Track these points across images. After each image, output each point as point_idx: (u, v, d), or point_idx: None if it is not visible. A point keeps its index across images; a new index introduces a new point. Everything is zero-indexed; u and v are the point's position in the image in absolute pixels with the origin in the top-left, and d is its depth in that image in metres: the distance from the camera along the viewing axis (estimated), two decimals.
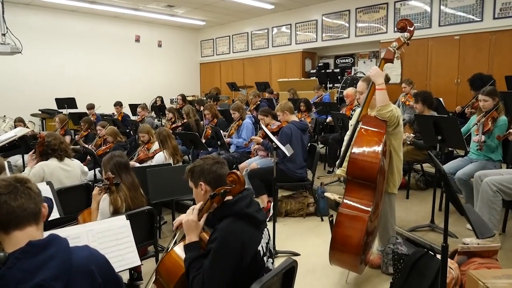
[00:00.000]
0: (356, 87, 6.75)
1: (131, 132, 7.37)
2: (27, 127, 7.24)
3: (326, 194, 3.51)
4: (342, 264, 2.88)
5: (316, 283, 3.05)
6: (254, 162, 4.85)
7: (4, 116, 8.50)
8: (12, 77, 9.38)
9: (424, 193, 4.95)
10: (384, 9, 8.77)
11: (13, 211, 1.25)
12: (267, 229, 1.87)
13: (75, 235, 2.21)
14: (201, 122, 6.79)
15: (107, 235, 2.29)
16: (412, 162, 4.70)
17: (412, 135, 4.30)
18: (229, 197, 1.75)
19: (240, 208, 1.70)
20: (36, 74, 9.76)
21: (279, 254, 3.45)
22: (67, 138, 6.98)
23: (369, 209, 2.66)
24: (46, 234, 1.35)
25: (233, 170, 1.72)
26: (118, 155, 2.81)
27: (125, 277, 3.09)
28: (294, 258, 2.44)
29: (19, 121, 7.50)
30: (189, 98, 11.20)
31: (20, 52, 4.92)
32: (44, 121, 9.77)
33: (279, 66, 11.17)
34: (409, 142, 4.25)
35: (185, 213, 2.00)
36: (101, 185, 2.59)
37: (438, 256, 2.52)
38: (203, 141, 5.63)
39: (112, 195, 2.62)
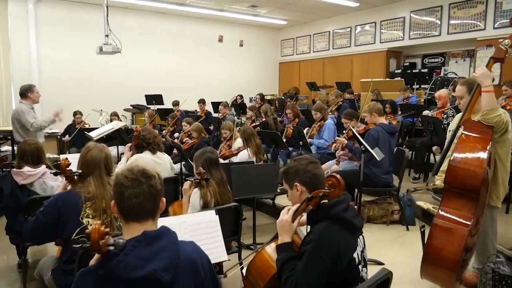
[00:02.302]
0: (448, 89, 6.28)
1: (214, 128, 7.62)
2: (121, 121, 7.87)
3: (418, 202, 3.29)
4: (435, 280, 2.67)
5: None
6: (335, 165, 4.74)
7: (101, 110, 9.28)
8: (109, 75, 10.19)
9: None
10: (482, 3, 8.03)
11: (134, 208, 1.34)
12: (363, 236, 1.80)
13: (170, 226, 2.32)
14: (279, 121, 6.81)
15: (198, 228, 2.38)
16: None
17: None
18: (325, 200, 1.70)
19: (337, 212, 1.65)
20: (129, 72, 10.50)
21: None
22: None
23: (470, 222, 2.43)
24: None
25: (333, 174, 1.67)
26: (209, 151, 2.90)
27: None
28: (378, 267, 2.32)
29: (114, 115, 8.17)
30: (268, 97, 11.31)
31: (120, 52, 5.32)
32: (134, 115, 10.52)
33: (361, 66, 10.80)
34: None
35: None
36: (192, 179, 2.69)
37: None
38: (284, 140, 5.63)
39: (202, 189, 2.71)
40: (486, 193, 2.60)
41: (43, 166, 3.20)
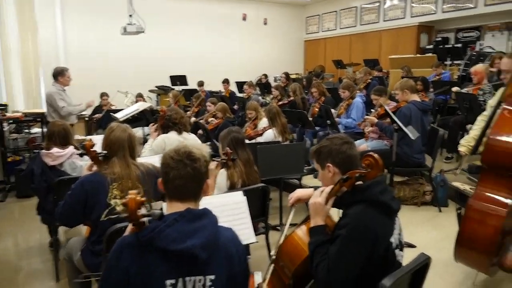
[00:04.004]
0: (485, 63, 5.95)
1: (238, 108, 7.54)
2: (146, 102, 7.89)
3: (454, 183, 3.14)
4: (469, 263, 2.56)
5: (438, 280, 2.77)
6: (364, 144, 4.59)
7: (127, 92, 9.33)
8: (134, 56, 10.22)
9: None
10: None
11: (177, 188, 1.37)
12: (399, 218, 1.69)
13: None
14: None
15: (225, 209, 2.33)
16: None
17: None
18: (359, 182, 1.60)
19: (374, 195, 1.54)
20: (154, 53, 10.49)
21: None
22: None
23: (508, 202, 2.29)
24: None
25: (370, 153, 1.56)
26: (235, 130, 2.83)
27: None
28: (410, 250, 2.19)
29: (139, 96, 8.20)
30: (293, 76, 11.10)
31: (143, 32, 5.27)
32: (159, 96, 10.56)
33: (390, 42, 10.39)
34: None
35: (291, 191, 1.93)
36: (219, 159, 2.64)
37: None
38: (310, 119, 5.50)
39: (229, 170, 2.66)
40: None
41: (71, 147, 3.22)
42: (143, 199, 1.25)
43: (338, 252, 1.50)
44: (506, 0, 7.82)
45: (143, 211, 1.27)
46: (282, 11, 12.85)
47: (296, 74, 12.08)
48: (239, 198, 2.38)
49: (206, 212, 1.39)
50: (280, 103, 6.63)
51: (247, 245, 3.11)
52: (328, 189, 1.64)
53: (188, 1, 11.02)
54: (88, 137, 3.27)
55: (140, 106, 5.73)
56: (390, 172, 3.58)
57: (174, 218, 1.29)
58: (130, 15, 5.23)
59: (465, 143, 2.92)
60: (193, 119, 6.72)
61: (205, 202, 2.31)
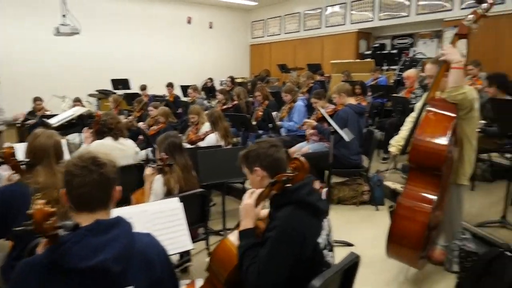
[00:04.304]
0: (417, 69, 6.31)
1: (182, 113, 7.42)
2: (84, 106, 7.53)
3: (386, 183, 3.29)
4: (400, 258, 2.69)
5: (373, 276, 2.87)
6: (306, 146, 4.69)
7: (64, 96, 8.85)
8: (72, 58, 9.75)
9: (491, 185, 4.56)
10: None
11: (83, 197, 1.26)
12: (328, 219, 1.73)
13: (129, 214, 2.18)
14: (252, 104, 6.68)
15: (160, 216, 2.26)
16: (480, 151, 4.30)
17: (482, 121, 3.94)
18: (288, 184, 1.62)
19: (301, 196, 1.57)
20: (93, 56, 10.08)
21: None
22: (121, 118, 7.18)
23: (433, 198, 2.43)
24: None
25: (296, 156, 1.58)
26: (172, 135, 2.77)
27: (175, 258, 3.10)
28: (348, 248, 2.23)
29: (77, 101, 7.80)
30: (238, 80, 11.13)
31: (79, 33, 5.02)
32: (100, 101, 10.13)
33: (331, 48, 10.76)
34: (478, 130, 3.89)
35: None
36: (154, 165, 2.56)
37: None
38: (254, 123, 5.53)
39: (165, 176, 2.59)
40: (450, 171, 2.60)
41: None
42: (53, 209, 1.15)
43: (267, 254, 1.50)
44: (435, 10, 8.39)
45: (58, 222, 1.16)
46: (228, 15, 12.87)
47: (242, 78, 12.13)
48: (175, 205, 2.32)
49: (118, 221, 1.29)
50: (224, 107, 6.62)
51: (188, 252, 3.08)
52: (258, 191, 1.64)
53: (131, 2, 10.70)
54: (7, 144, 3.04)
55: (76, 111, 5.46)
56: (329, 174, 3.68)
57: (81, 233, 1.19)
58: (64, 15, 4.96)
59: (395, 143, 3.05)
60: (140, 124, 6.53)
61: (139, 210, 2.27)
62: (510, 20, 7.24)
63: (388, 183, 3.04)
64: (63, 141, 2.30)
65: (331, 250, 1.70)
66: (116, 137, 3.56)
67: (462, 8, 7.87)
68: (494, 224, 3.38)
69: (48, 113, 7.21)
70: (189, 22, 12.07)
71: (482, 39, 7.44)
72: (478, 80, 5.70)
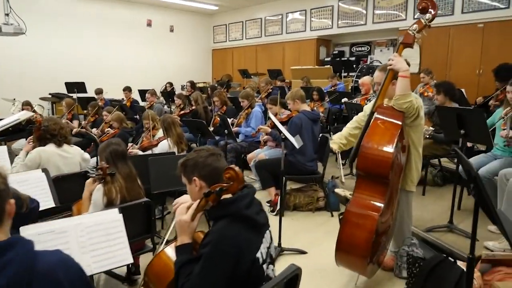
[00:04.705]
0: (372, 76, 6.44)
1: (139, 118, 7.20)
2: (34, 110, 7.14)
3: (336, 190, 3.29)
4: (349, 266, 2.68)
5: (324, 284, 2.85)
6: (262, 153, 4.65)
7: (14, 99, 8.38)
8: (24, 60, 9.29)
9: (441, 190, 4.71)
10: None
11: None
12: (269, 231, 1.67)
13: (62, 229, 2.04)
14: (210, 109, 6.58)
15: (98, 229, 2.12)
16: (430, 157, 4.43)
17: (431, 128, 4.05)
18: (228, 195, 1.54)
19: (238, 209, 1.49)
20: (46, 57, 9.65)
21: (285, 252, 3.25)
22: (75, 123, 6.87)
23: (380, 206, 2.44)
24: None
25: (231, 166, 1.51)
26: (115, 142, 2.63)
27: (123, 270, 2.96)
28: (301, 256, 2.17)
29: (27, 105, 7.39)
30: (200, 85, 10.99)
31: (24, 33, 4.76)
32: (54, 105, 9.68)
33: (292, 54, 10.85)
34: (427, 136, 4.00)
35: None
36: (94, 175, 2.42)
37: (459, 263, 2.30)
38: (212, 129, 5.43)
39: (106, 185, 2.45)
40: (398, 177, 2.63)
41: None
42: None
43: (201, 271, 1.41)
44: (390, 19, 8.64)
45: None
46: (189, 19, 12.71)
47: (204, 82, 12.00)
48: (114, 216, 2.18)
49: (13, 241, 1.14)
50: (182, 112, 6.49)
51: (137, 263, 2.94)
52: (194, 204, 1.56)
53: (88, 3, 10.33)
54: None
55: (22, 115, 5.12)
56: (280, 180, 3.64)
57: None
58: (7, 14, 4.68)
59: (337, 140, 3.04)
60: (93, 129, 6.27)
61: (75, 223, 2.12)
62: (459, 31, 7.57)
63: (338, 191, 3.04)
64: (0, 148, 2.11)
65: (272, 263, 1.64)
66: (59, 144, 3.36)
67: (416, 18, 8.15)
68: (442, 229, 3.46)
69: None
70: (149, 25, 11.81)
71: (435, 49, 7.75)
72: (430, 88, 5.90)
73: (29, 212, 2.22)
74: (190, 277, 1.43)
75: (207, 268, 1.41)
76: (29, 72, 9.36)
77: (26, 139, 5.49)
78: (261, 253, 1.52)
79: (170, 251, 1.66)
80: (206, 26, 13.24)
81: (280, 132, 3.16)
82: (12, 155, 5.48)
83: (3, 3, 4.61)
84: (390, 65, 2.57)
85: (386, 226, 2.63)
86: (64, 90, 9.20)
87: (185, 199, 1.76)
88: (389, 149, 2.41)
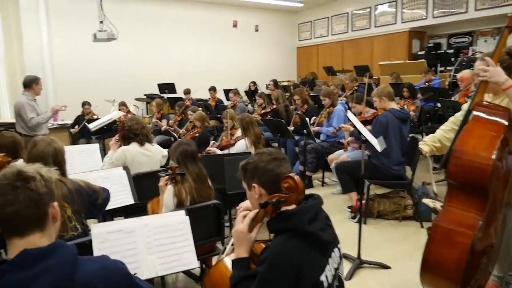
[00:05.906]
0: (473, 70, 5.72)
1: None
2: (129, 111, 7.68)
3: (424, 200, 2.89)
4: None
5: None
6: (344, 155, 4.36)
7: (114, 100, 9.13)
8: (122, 64, 10.04)
9: None
10: None
11: (9, 219, 1.07)
12: (339, 249, 1.45)
13: (130, 228, 2.05)
14: (292, 108, 6.42)
15: (164, 231, 2.10)
16: None
17: None
18: (290, 207, 1.35)
19: (299, 223, 1.30)
20: (142, 60, 10.31)
21: (364, 265, 2.96)
22: (164, 122, 7.23)
23: (476, 222, 2.03)
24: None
25: (290, 174, 1.32)
26: (185, 143, 2.61)
27: (197, 270, 2.95)
28: (383, 271, 1.89)
29: (122, 105, 7.98)
30: (285, 84, 10.89)
31: (116, 39, 5.09)
32: (147, 105, 10.35)
33: (382, 48, 10.18)
34: None
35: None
36: (164, 175, 2.41)
37: None
38: (292, 128, 5.28)
39: (176, 186, 2.43)
40: (503, 189, 2.18)
41: (20, 160, 3.00)
42: None
43: None
44: (496, 5, 7.61)
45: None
46: (274, 18, 12.69)
47: (288, 81, 11.88)
48: (180, 218, 2.14)
49: (54, 247, 1.10)
50: (263, 111, 6.43)
51: (210, 263, 2.90)
52: (251, 214, 1.40)
53: (174, 5, 10.85)
54: None
55: (114, 115, 5.52)
56: (363, 185, 3.34)
57: (4, 269, 1.01)
58: (101, 22, 5.05)
59: (429, 142, 2.61)
60: (176, 128, 6.54)
61: (142, 224, 2.11)
62: None
63: (426, 201, 2.64)
64: (66, 148, 2.21)
65: (340, 286, 1.42)
66: (141, 143, 3.49)
67: None
68: None
69: (95, 117, 7.44)
70: (235, 25, 12.04)
71: None
72: None
73: (103, 202, 2.31)
74: None
75: None
76: (126, 74, 10.10)
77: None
78: (325, 276, 1.31)
79: (228, 262, 1.54)
80: (290, 24, 13.10)
81: (360, 133, 2.88)
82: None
83: (98, 11, 4.98)
84: (483, 76, 2.15)
85: (487, 245, 2.21)
86: (157, 91, 9.78)
87: (249, 205, 1.62)
88: (489, 154, 1.99)
